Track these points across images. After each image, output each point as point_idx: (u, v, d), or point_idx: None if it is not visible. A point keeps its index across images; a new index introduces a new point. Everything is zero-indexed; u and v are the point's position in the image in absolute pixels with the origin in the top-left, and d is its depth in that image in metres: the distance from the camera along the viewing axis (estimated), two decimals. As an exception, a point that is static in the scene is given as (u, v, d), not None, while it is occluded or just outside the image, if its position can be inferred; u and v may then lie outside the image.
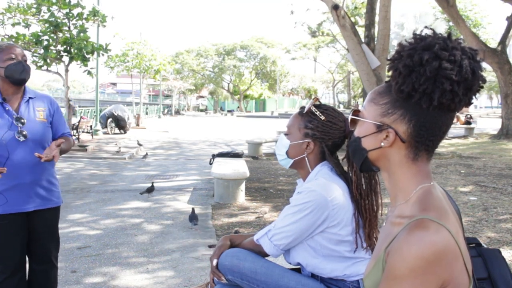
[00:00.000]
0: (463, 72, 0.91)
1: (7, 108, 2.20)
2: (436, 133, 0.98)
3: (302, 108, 1.75)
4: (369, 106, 1.04)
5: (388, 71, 1.00)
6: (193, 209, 4.76)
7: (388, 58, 1.00)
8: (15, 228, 2.22)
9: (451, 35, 0.96)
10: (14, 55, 2.19)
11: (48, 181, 2.33)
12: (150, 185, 6.25)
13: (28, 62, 2.28)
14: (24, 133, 2.19)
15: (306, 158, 1.72)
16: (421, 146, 0.99)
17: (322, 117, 1.69)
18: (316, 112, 1.70)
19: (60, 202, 2.42)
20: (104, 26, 11.86)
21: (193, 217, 4.62)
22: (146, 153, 11.19)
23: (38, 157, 2.16)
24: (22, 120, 2.20)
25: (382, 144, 1.00)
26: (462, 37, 14.11)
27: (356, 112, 1.08)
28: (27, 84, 2.33)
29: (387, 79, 1.04)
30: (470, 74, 0.92)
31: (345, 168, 1.71)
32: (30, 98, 2.30)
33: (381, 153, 1.02)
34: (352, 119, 1.09)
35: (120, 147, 11.87)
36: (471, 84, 0.93)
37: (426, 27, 0.99)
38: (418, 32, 0.99)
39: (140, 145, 12.75)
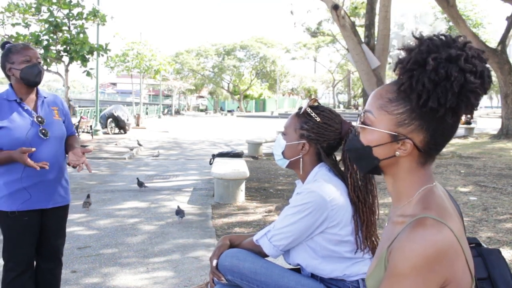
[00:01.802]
0: (485, 83, 0.90)
1: (25, 108, 2.25)
2: (451, 136, 0.98)
3: (300, 109, 1.75)
4: (380, 115, 0.99)
5: (402, 77, 0.94)
6: (178, 206, 5.03)
7: (401, 64, 0.94)
8: (32, 226, 2.26)
9: (461, 37, 0.93)
10: (29, 57, 2.23)
11: (64, 179, 2.39)
12: (139, 182, 6.65)
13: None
14: (44, 131, 2.24)
15: (301, 159, 1.72)
16: (434, 152, 0.99)
17: (318, 119, 1.69)
18: (312, 113, 1.70)
19: (70, 199, 2.48)
20: (104, 24, 11.85)
21: (179, 212, 4.86)
22: (158, 152, 11.22)
23: (73, 166, 2.25)
24: (41, 119, 2.25)
25: (397, 153, 0.98)
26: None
27: (362, 116, 1.04)
28: None
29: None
30: (489, 83, 0.91)
31: (342, 168, 1.71)
32: (44, 97, 2.36)
33: (394, 161, 1.01)
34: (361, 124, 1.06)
35: (138, 141, 11.98)
36: (488, 89, 0.92)
37: (436, 35, 0.95)
38: (418, 34, 0.97)
39: (140, 145, 12.73)
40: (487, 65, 0.93)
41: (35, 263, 2.39)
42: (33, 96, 2.31)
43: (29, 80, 2.23)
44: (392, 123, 0.97)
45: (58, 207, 2.35)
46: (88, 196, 5.48)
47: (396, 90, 0.97)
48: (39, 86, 2.36)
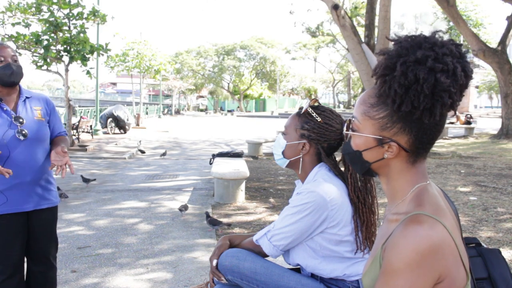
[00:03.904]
0: (458, 80, 0.90)
1: (4, 108, 2.20)
2: (436, 135, 0.99)
3: (301, 108, 1.75)
4: (364, 121, 1.02)
5: (377, 83, 0.97)
6: (185, 203, 5.30)
7: (375, 70, 0.96)
8: (15, 228, 2.21)
9: (436, 35, 0.94)
10: (3, 57, 2.17)
11: (46, 180, 2.33)
12: (84, 178, 6.99)
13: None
14: (24, 132, 2.19)
15: (301, 159, 1.72)
16: (422, 151, 1.00)
17: (319, 119, 1.69)
18: (313, 113, 1.70)
19: (58, 201, 2.42)
20: (103, 24, 11.83)
21: (182, 207, 5.13)
22: (165, 151, 11.30)
23: (57, 167, 2.18)
24: (21, 120, 2.20)
25: (385, 155, 1.01)
26: (462, 37, 14.05)
27: (350, 122, 1.07)
28: (24, 84, 2.30)
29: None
30: (464, 78, 0.91)
31: (343, 169, 1.71)
32: (26, 97, 2.30)
33: (384, 163, 1.03)
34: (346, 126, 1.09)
35: (166, 151, 11.63)
36: (465, 86, 0.93)
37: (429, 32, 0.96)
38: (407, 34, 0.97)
39: (143, 152, 12.48)
40: (467, 59, 0.93)
41: (26, 266, 2.36)
42: (14, 96, 2.26)
43: (3, 81, 2.18)
44: (376, 128, 1.00)
45: (43, 210, 2.30)
46: (59, 189, 5.77)
47: (376, 95, 1.00)
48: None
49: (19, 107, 2.25)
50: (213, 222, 4.46)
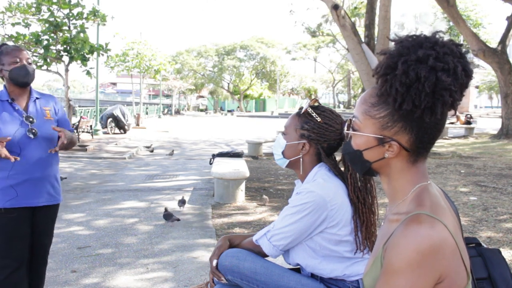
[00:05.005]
0: (459, 79, 0.91)
1: (16, 108, 2.31)
2: (437, 135, 0.99)
3: (301, 108, 1.75)
4: (365, 120, 1.02)
5: (378, 82, 0.97)
6: (183, 196, 5.47)
7: (376, 70, 0.97)
8: (23, 222, 2.29)
9: (436, 35, 0.94)
10: (19, 58, 2.29)
11: (54, 177, 2.43)
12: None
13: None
14: (34, 130, 2.29)
15: (301, 159, 1.72)
16: (422, 150, 1.01)
17: (319, 119, 1.69)
18: (313, 113, 1.70)
19: (61, 199, 2.50)
20: (104, 25, 11.83)
21: (181, 201, 5.30)
22: (172, 150, 11.48)
23: (50, 152, 2.31)
24: (31, 119, 2.30)
25: (386, 155, 1.01)
26: (462, 37, 14.06)
27: (350, 122, 1.07)
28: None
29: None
30: (465, 78, 0.92)
31: (342, 169, 1.71)
32: (36, 98, 2.41)
33: (385, 163, 1.03)
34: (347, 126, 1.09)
35: (173, 150, 11.83)
36: (466, 85, 0.94)
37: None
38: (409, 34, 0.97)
39: (152, 151, 12.41)
40: (468, 59, 0.94)
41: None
42: (25, 96, 2.37)
43: (17, 81, 2.29)
44: (376, 127, 1.00)
45: (48, 206, 2.39)
46: None
47: (377, 94, 1.00)
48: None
49: (30, 107, 2.36)
50: (166, 217, 4.73)
